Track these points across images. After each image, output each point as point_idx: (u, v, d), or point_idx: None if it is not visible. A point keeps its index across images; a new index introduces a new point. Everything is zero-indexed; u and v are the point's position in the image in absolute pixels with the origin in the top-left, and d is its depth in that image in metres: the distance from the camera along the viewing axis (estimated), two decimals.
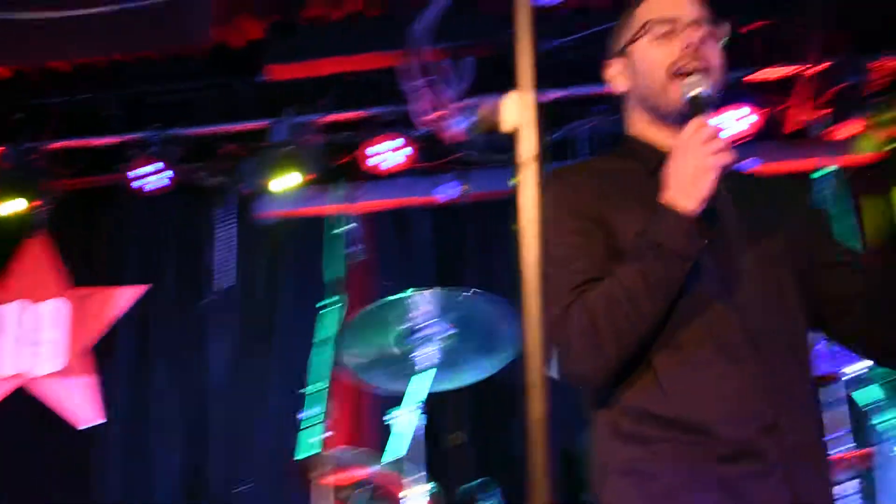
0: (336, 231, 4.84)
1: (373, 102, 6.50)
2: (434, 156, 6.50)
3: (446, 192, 6.30)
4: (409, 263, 6.62)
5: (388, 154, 6.36)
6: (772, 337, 2.33)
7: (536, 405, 1.48)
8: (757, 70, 6.28)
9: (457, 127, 6.14)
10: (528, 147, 1.34)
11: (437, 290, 4.32)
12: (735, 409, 2.26)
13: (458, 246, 6.72)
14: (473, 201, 6.46)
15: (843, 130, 6.15)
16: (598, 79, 6.06)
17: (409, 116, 6.23)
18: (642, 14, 2.51)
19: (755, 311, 2.33)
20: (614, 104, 6.13)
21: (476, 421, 6.09)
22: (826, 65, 6.12)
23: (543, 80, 5.53)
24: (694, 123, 2.28)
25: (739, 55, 6.22)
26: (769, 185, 2.65)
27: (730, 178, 2.33)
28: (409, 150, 6.35)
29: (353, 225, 4.76)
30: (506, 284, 6.48)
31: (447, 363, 4.35)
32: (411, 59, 5.83)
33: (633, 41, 2.51)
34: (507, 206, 5.60)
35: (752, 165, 6.14)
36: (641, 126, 2.55)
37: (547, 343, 2.05)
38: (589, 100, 6.43)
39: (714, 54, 2.45)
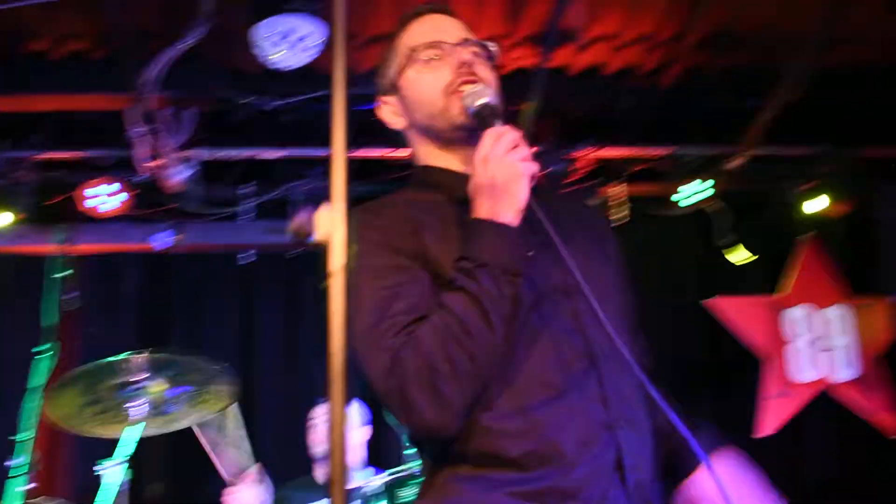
0: (54, 276, 4.76)
1: (92, 144, 6.40)
2: (151, 203, 6.46)
3: (161, 240, 6.29)
4: (116, 312, 6.52)
5: (104, 198, 6.27)
6: (610, 358, 2.14)
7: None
8: None
9: (176, 176, 6.17)
10: (337, 258, 1.44)
11: (152, 350, 4.38)
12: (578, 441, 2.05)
13: (167, 296, 6.68)
14: (186, 252, 6.49)
15: None
16: (317, 141, 6.28)
17: (128, 161, 6.22)
18: (404, 44, 2.39)
19: (594, 331, 2.13)
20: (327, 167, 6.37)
21: (177, 472, 6.11)
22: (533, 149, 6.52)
23: (265, 140, 5.68)
24: (491, 133, 2.13)
25: None
26: (565, 200, 2.53)
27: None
28: (125, 195, 6.28)
29: (70, 271, 4.69)
30: (213, 336, 6.54)
31: (157, 414, 4.41)
32: (136, 105, 5.83)
33: (400, 73, 2.37)
34: (219, 259, 5.69)
35: None
36: (431, 156, 2.37)
37: (382, 396, 2.03)
38: (307, 161, 6.58)
39: (487, 73, 2.32)
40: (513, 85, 6.56)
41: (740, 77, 6.65)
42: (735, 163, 6.76)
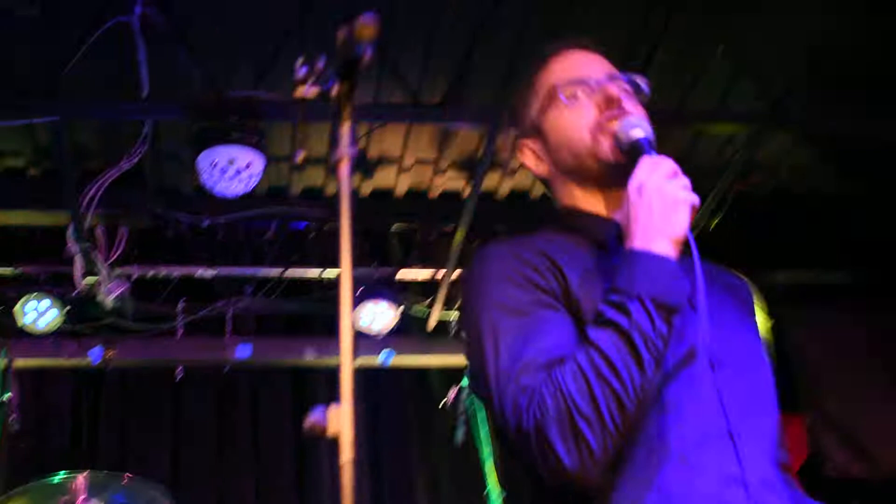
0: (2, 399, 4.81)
1: (27, 259, 6.46)
2: (86, 318, 6.52)
3: (96, 355, 6.34)
4: (48, 427, 6.50)
5: (39, 313, 6.30)
6: (750, 439, 1.97)
7: None
8: (400, 269, 6.82)
9: (110, 292, 6.25)
10: (346, 452, 1.56)
11: (92, 472, 4.43)
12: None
13: (97, 411, 6.68)
14: (119, 368, 6.54)
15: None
16: (248, 260, 6.38)
17: (64, 277, 6.29)
18: (544, 82, 2.23)
19: (735, 409, 1.96)
20: (259, 284, 6.48)
21: None
22: (461, 270, 6.74)
23: (196, 258, 5.79)
24: (648, 161, 1.95)
25: (384, 255, 6.78)
26: (716, 268, 2.27)
27: None
28: (58, 310, 6.32)
29: (9, 395, 4.74)
30: (142, 453, 6.54)
31: None
32: (72, 222, 5.93)
33: (541, 114, 2.21)
34: (151, 374, 5.74)
35: (390, 357, 6.66)
36: (575, 199, 2.18)
37: (517, 441, 1.84)
38: (241, 279, 6.69)
39: (638, 109, 2.16)
40: (442, 207, 6.83)
41: None
42: None
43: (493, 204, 6.93)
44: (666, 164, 1.94)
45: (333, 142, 1.64)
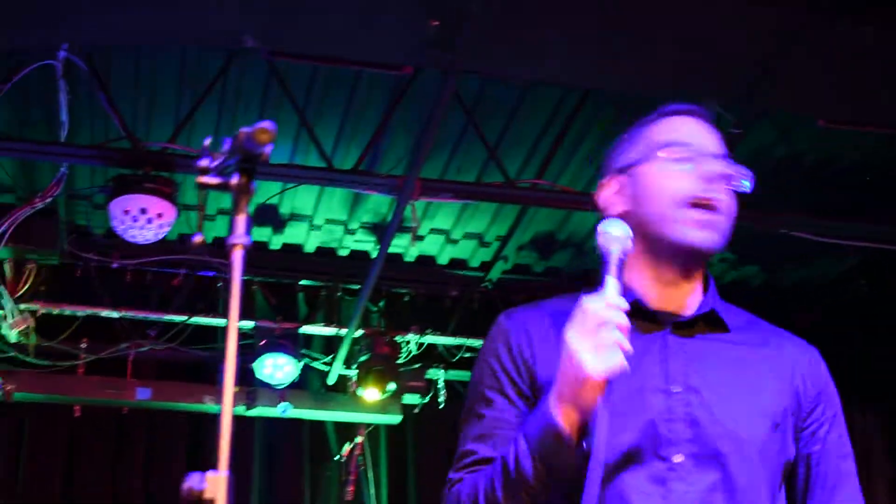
0: None
1: None
2: None
3: None
4: None
5: None
6: None
7: None
8: (304, 324, 6.94)
9: (14, 326, 6.29)
10: None
11: None
12: None
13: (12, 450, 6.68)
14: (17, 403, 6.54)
15: (365, 390, 6.87)
16: (154, 304, 6.43)
17: None
18: (654, 135, 2.15)
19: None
20: (164, 329, 6.53)
21: None
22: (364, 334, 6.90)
23: (102, 299, 5.84)
24: (584, 302, 1.89)
25: (289, 309, 6.90)
26: (763, 333, 2.22)
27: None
28: None
29: None
30: (30, 489, 6.53)
31: None
32: None
33: (638, 163, 2.14)
34: (49, 410, 5.74)
35: (288, 409, 6.75)
36: (632, 266, 2.09)
37: None
38: (146, 322, 6.74)
39: (729, 198, 2.09)
40: (350, 266, 6.98)
41: (562, 278, 7.16)
42: None
43: (401, 266, 7.10)
44: (598, 314, 1.87)
45: (230, 229, 1.79)
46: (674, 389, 2.02)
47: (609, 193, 2.17)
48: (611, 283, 1.90)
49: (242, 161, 1.79)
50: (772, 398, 2.09)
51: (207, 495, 1.72)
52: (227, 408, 1.76)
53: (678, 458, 1.97)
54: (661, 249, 2.08)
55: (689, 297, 2.14)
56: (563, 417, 1.88)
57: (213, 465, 5.36)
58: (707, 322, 2.13)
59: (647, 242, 2.08)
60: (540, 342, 2.09)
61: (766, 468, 2.03)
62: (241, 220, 1.80)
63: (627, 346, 1.86)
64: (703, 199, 2.04)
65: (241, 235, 1.78)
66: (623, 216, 2.07)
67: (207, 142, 1.86)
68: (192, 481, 1.72)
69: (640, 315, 2.05)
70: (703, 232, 2.04)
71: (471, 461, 2.07)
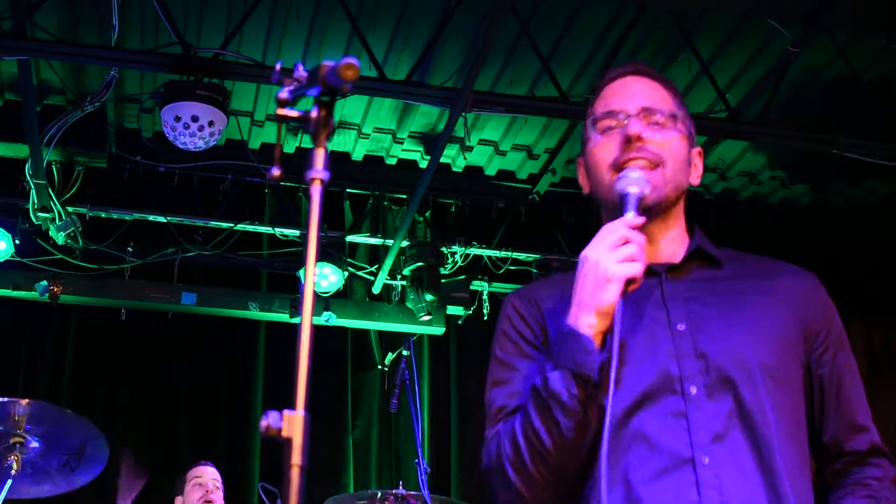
0: None
1: None
2: (37, 252, 6.57)
3: (42, 289, 6.39)
4: None
5: None
6: (727, 455, 2.08)
7: None
8: (349, 234, 6.93)
9: (63, 229, 6.32)
10: (296, 456, 1.67)
11: (32, 401, 4.51)
12: None
13: (38, 345, 6.74)
14: (65, 304, 6.59)
15: (409, 300, 6.89)
16: (200, 210, 6.39)
17: (18, 209, 6.35)
18: (594, 109, 2.31)
19: (716, 417, 2.08)
20: (210, 235, 6.53)
21: None
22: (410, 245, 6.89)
23: (149, 203, 5.80)
24: (607, 227, 2.07)
25: (334, 219, 6.89)
26: (758, 265, 2.34)
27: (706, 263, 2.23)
28: (9, 241, 6.35)
29: None
30: (77, 390, 6.62)
31: (31, 474, 4.57)
32: (30, 156, 5.96)
33: (585, 139, 2.30)
34: (95, 312, 5.77)
35: (331, 319, 6.77)
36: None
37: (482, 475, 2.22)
38: (193, 228, 6.75)
39: (660, 146, 2.20)
40: (398, 176, 6.94)
41: None
42: None
43: (448, 176, 7.06)
44: (616, 233, 2.04)
45: (308, 163, 1.75)
46: (679, 328, 2.14)
47: (580, 175, 2.34)
48: (629, 214, 2.09)
49: (323, 94, 1.74)
50: (775, 324, 2.19)
51: (285, 433, 1.71)
52: (305, 350, 1.74)
53: (693, 390, 2.08)
54: (617, 215, 2.13)
55: (674, 247, 2.27)
56: (583, 323, 2.03)
57: (253, 371, 5.37)
58: (699, 261, 2.27)
59: (610, 213, 2.19)
60: (549, 301, 2.25)
61: (780, 389, 2.13)
62: (319, 155, 1.75)
63: (643, 258, 2.04)
64: (621, 161, 2.18)
65: (320, 170, 1.74)
66: (590, 195, 2.29)
67: (279, 66, 1.82)
68: (269, 419, 1.71)
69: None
70: (632, 188, 2.13)
71: (503, 414, 2.18)
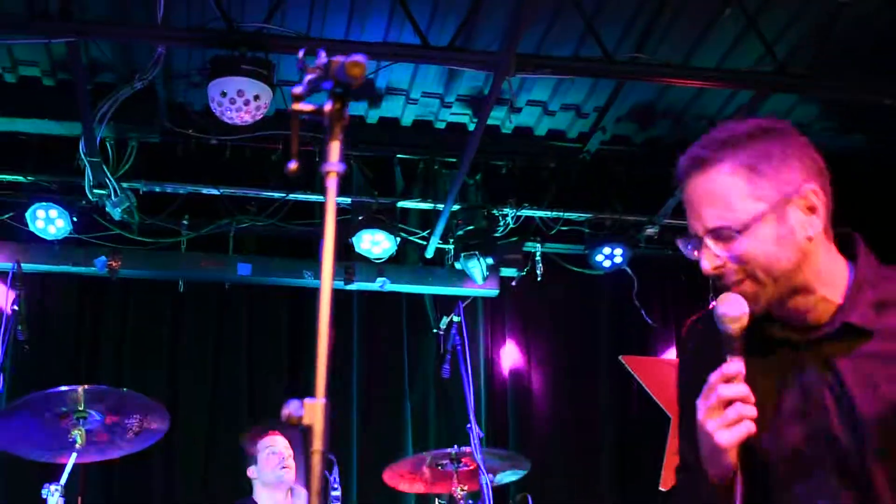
0: (10, 309, 4.98)
1: (38, 168, 6.62)
2: (94, 229, 6.69)
3: (101, 265, 6.50)
4: (51, 333, 6.66)
5: (47, 220, 6.45)
6: None
7: None
8: (401, 199, 6.97)
9: (118, 205, 6.42)
10: (317, 442, 1.72)
11: (91, 386, 4.64)
12: None
13: (98, 321, 6.88)
14: (124, 278, 6.71)
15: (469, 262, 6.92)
16: (252, 182, 6.43)
17: (74, 188, 6.45)
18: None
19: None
20: (263, 205, 6.58)
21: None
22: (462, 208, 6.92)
23: (202, 176, 5.85)
24: (710, 380, 2.03)
25: (385, 185, 6.93)
26: None
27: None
28: (67, 219, 6.47)
29: (19, 308, 4.93)
30: (137, 365, 6.75)
31: (95, 443, 4.72)
32: (85, 134, 6.05)
33: None
34: (153, 286, 5.88)
35: (385, 285, 6.83)
36: None
37: None
38: (245, 199, 6.83)
39: (740, 261, 2.06)
40: (447, 140, 6.95)
41: (661, 149, 7.06)
42: (651, 230, 7.15)
43: (498, 138, 7.05)
44: (713, 394, 2.01)
45: (323, 155, 1.78)
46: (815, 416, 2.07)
47: None
48: (732, 362, 2.02)
49: (335, 87, 1.77)
50: None
51: (306, 421, 1.76)
52: (324, 341, 1.78)
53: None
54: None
55: (814, 311, 2.13)
56: (712, 475, 2.07)
57: (312, 342, 5.40)
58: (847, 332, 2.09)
59: None
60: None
61: None
62: (334, 147, 1.78)
63: (751, 412, 2.00)
64: (714, 282, 2.12)
65: (335, 163, 1.77)
66: None
67: (301, 54, 1.85)
68: (290, 407, 1.76)
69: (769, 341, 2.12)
70: (726, 325, 2.05)
71: (681, 465, 2.34)
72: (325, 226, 1.76)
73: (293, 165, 1.84)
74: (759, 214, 2.04)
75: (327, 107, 1.77)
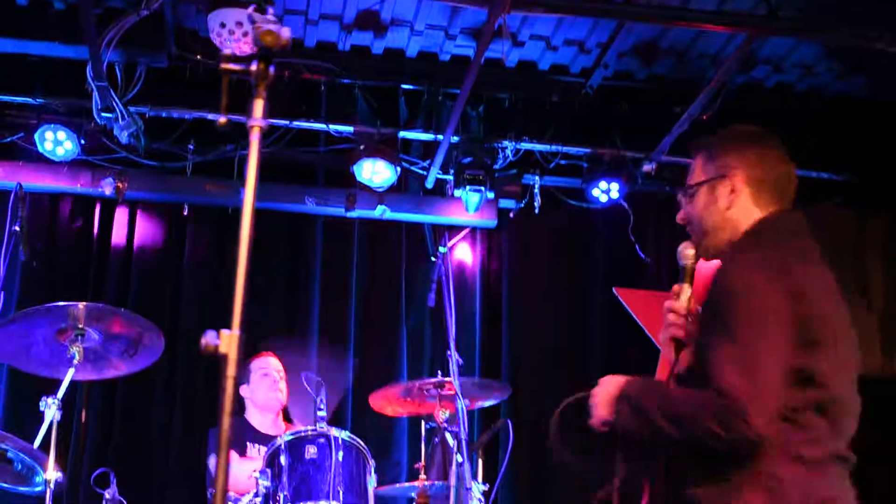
0: (13, 229, 5.16)
1: (46, 90, 6.75)
2: (101, 151, 6.86)
3: (108, 186, 6.66)
4: (57, 253, 6.86)
5: (55, 142, 6.62)
6: None
7: None
8: (403, 129, 7.09)
9: (125, 129, 6.56)
10: (230, 369, 1.90)
11: (91, 304, 4.82)
12: None
13: (103, 241, 7.05)
14: (130, 200, 6.88)
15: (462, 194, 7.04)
16: None
17: (82, 110, 6.59)
18: None
19: None
20: (267, 132, 6.70)
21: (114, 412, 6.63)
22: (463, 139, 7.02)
23: (207, 102, 5.90)
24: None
25: (388, 114, 7.03)
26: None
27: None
28: (75, 141, 6.63)
29: (21, 227, 5.10)
30: (140, 285, 6.92)
31: (94, 360, 4.92)
32: (92, 57, 6.17)
33: None
34: (159, 209, 6.02)
35: (385, 213, 6.98)
36: None
37: None
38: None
39: (682, 215, 3.09)
40: (450, 71, 7.02)
41: (663, 86, 7.13)
42: (648, 166, 7.24)
43: (501, 71, 7.10)
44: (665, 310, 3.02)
45: (248, 111, 1.91)
46: None
47: None
48: (682, 288, 3.01)
49: (259, 51, 1.90)
50: None
51: (222, 349, 1.96)
52: (241, 275, 1.93)
53: None
54: None
55: None
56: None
57: (311, 266, 5.57)
58: None
59: None
60: None
61: None
62: (258, 105, 1.92)
63: (677, 320, 2.98)
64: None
65: (259, 119, 1.91)
66: None
67: (251, 10, 1.98)
68: (207, 337, 1.97)
69: None
70: (681, 248, 3.06)
71: None
72: (247, 177, 1.92)
73: (223, 119, 1.98)
74: (701, 183, 3.02)
75: (253, 66, 1.90)
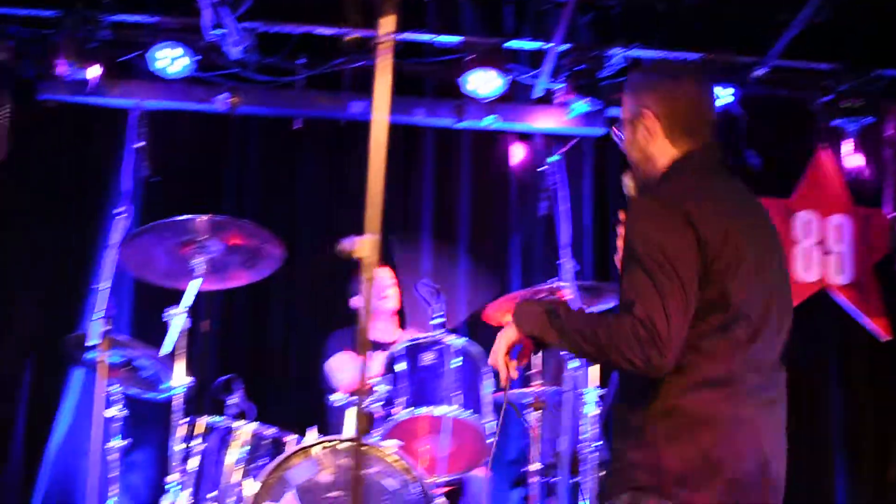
0: (134, 146, 5.32)
1: (159, 8, 6.87)
2: (213, 68, 6.99)
3: (221, 102, 6.77)
4: (175, 169, 6.89)
5: (170, 59, 6.75)
6: None
7: None
8: (510, 39, 7.07)
9: (236, 44, 6.66)
10: (367, 273, 2.01)
11: (213, 216, 5.00)
12: None
13: (218, 156, 7.23)
14: (243, 116, 7.01)
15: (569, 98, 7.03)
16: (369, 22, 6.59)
17: (193, 28, 6.69)
18: None
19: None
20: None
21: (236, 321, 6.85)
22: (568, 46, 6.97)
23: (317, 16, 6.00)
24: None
25: (495, 24, 7.01)
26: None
27: None
28: (189, 58, 6.76)
29: (144, 143, 5.25)
30: (256, 197, 7.08)
31: (215, 271, 5.12)
32: None
33: None
34: (271, 123, 6.17)
35: (495, 122, 7.00)
36: None
37: None
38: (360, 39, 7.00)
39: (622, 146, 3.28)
40: None
41: None
42: (759, 71, 7.14)
43: None
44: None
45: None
46: None
47: None
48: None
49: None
50: None
51: (357, 254, 2.09)
52: (377, 176, 2.01)
53: None
54: None
55: None
56: None
57: (421, 177, 5.63)
58: None
59: None
60: None
61: None
62: (388, 20, 1.97)
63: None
64: None
65: (388, 34, 1.97)
66: None
67: None
68: (345, 243, 2.10)
69: None
70: (623, 179, 3.29)
71: None
72: (376, 91, 1.99)
73: (353, 36, 2.05)
74: (624, 120, 3.24)
75: None
